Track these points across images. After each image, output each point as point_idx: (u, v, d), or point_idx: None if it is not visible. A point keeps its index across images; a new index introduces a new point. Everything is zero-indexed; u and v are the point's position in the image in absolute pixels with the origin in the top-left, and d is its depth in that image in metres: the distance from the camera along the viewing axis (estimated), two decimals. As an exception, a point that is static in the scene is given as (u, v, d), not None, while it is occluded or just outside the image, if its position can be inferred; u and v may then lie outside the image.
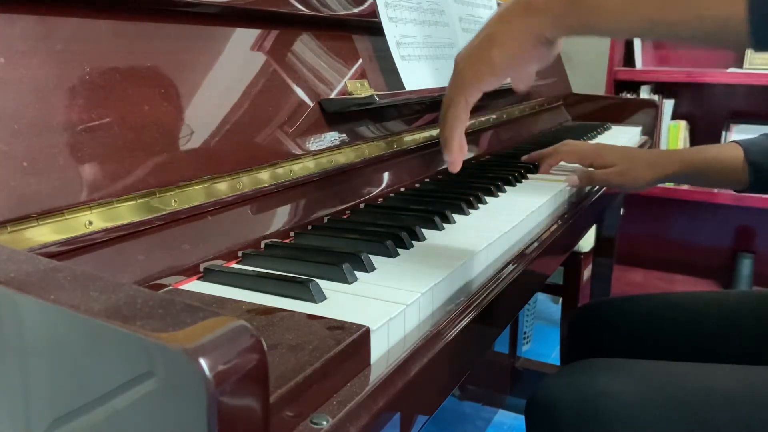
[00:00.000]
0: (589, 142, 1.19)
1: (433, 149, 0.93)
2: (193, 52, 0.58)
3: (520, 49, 0.57)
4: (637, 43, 2.22)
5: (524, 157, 1.00)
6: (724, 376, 0.64)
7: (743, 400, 0.60)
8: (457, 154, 0.64)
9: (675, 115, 2.22)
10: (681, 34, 0.49)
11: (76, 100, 0.47)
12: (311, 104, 0.70)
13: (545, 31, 0.56)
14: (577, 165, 0.95)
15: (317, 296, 0.46)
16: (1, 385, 0.33)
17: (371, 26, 0.82)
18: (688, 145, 2.21)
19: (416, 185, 0.85)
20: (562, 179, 0.88)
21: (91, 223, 0.46)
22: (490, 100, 1.14)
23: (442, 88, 0.90)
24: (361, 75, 0.80)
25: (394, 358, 0.42)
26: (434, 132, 0.91)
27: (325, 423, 0.35)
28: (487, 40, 0.59)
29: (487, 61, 0.59)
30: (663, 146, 2.18)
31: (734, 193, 0.93)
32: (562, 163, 0.98)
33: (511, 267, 0.61)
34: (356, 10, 0.80)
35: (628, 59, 2.23)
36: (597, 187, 0.95)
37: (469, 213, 0.73)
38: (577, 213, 0.84)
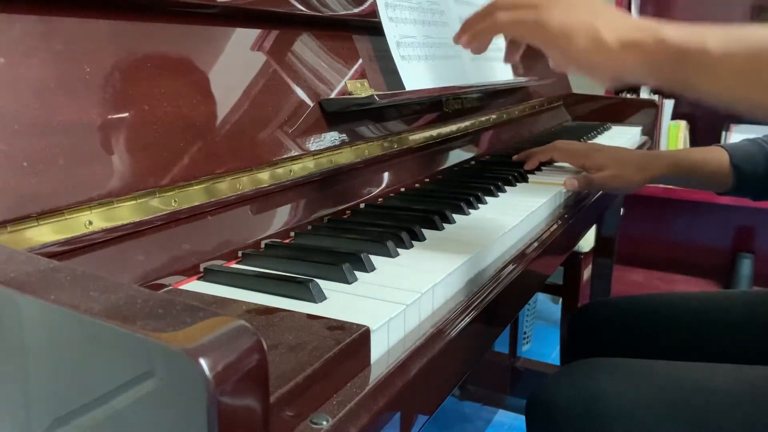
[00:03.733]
0: (584, 142, 1.19)
1: (433, 149, 0.93)
2: (193, 52, 0.58)
3: (597, 61, 0.53)
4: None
5: (515, 156, 1.00)
6: (724, 376, 0.64)
7: (743, 400, 0.61)
8: (465, 44, 0.63)
9: (675, 115, 2.21)
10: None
11: (76, 100, 0.47)
12: (311, 104, 0.70)
13: (632, 73, 0.53)
14: (567, 165, 0.96)
15: (317, 296, 0.46)
16: (1, 385, 0.33)
17: (371, 26, 0.82)
18: (688, 145, 2.21)
19: (416, 185, 0.85)
20: (560, 182, 0.89)
21: (91, 223, 0.46)
22: (490, 99, 1.14)
23: (443, 88, 0.90)
24: (361, 75, 0.80)
25: (394, 358, 0.42)
26: (434, 132, 0.91)
27: (325, 423, 0.35)
28: (587, 23, 0.53)
29: (565, 39, 0.54)
30: (663, 146, 2.18)
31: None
32: (558, 164, 0.98)
33: (511, 267, 0.61)
34: (356, 10, 0.80)
35: (628, 59, 2.22)
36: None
37: (469, 213, 0.73)
38: (576, 213, 0.84)
